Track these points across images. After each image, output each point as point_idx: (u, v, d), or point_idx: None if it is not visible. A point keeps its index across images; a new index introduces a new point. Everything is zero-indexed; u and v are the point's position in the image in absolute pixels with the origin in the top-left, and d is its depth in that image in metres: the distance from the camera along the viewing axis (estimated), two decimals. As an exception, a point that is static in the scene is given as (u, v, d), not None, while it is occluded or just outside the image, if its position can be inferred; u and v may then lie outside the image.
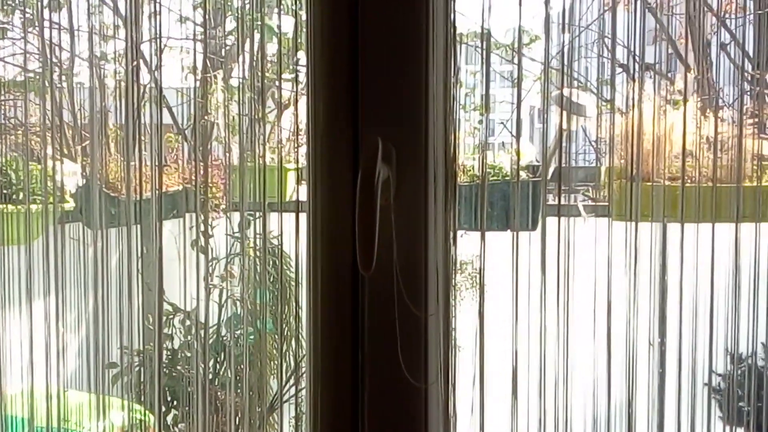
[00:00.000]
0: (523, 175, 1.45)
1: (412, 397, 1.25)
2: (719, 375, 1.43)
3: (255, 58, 1.64)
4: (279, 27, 1.60)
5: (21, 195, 1.69)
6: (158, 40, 1.64)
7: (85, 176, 1.71)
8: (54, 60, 1.72)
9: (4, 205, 1.68)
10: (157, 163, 1.61)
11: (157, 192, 1.59)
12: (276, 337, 1.63)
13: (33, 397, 1.65)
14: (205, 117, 1.70)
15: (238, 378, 1.66)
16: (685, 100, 1.40)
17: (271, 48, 1.66)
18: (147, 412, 1.69)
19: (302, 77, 1.58)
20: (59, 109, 1.73)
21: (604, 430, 1.42)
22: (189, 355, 1.72)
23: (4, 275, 1.66)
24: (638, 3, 1.40)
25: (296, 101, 1.61)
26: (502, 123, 1.60)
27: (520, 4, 1.36)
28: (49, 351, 1.63)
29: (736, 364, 1.42)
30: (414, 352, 1.25)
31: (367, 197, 1.15)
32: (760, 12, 1.41)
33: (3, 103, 1.77)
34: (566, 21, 1.40)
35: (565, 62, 1.41)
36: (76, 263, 1.64)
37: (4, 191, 1.69)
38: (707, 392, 1.43)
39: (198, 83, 1.75)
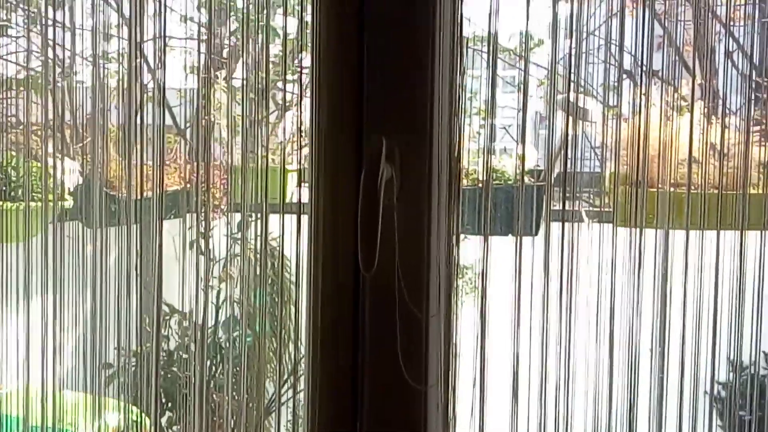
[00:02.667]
0: (526, 179, 1.44)
1: (412, 400, 1.24)
2: (720, 383, 1.42)
3: (258, 59, 1.64)
4: (284, 28, 1.60)
5: (20, 192, 1.67)
6: (161, 39, 1.63)
7: (84, 174, 1.70)
8: (55, 58, 1.71)
9: (3, 202, 1.67)
10: (159, 163, 1.60)
11: (158, 192, 1.58)
12: (274, 339, 1.62)
13: (28, 396, 1.63)
14: (206, 117, 1.69)
15: (234, 380, 1.64)
16: (691, 107, 1.39)
17: (274, 49, 1.66)
18: (142, 413, 1.67)
19: (305, 79, 1.57)
20: (60, 107, 1.72)
21: (605, 435, 1.41)
22: (185, 356, 1.71)
23: (2, 272, 1.64)
24: (645, 9, 1.39)
25: (299, 103, 1.60)
26: (504, 128, 1.60)
27: (527, 8, 1.36)
28: (45, 350, 1.62)
29: (739, 373, 1.41)
30: (414, 354, 1.24)
31: (370, 197, 1.15)
32: (765, 20, 1.41)
33: (3, 101, 1.76)
34: (572, 26, 1.40)
35: (571, 67, 1.41)
36: (75, 262, 1.63)
37: (3, 188, 1.68)
38: (709, 401, 1.41)
39: (200, 83, 1.74)
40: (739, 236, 1.34)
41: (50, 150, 1.67)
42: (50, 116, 1.68)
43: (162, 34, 1.63)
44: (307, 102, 1.42)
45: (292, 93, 1.67)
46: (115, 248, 1.63)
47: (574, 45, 1.39)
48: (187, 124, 1.82)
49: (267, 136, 1.62)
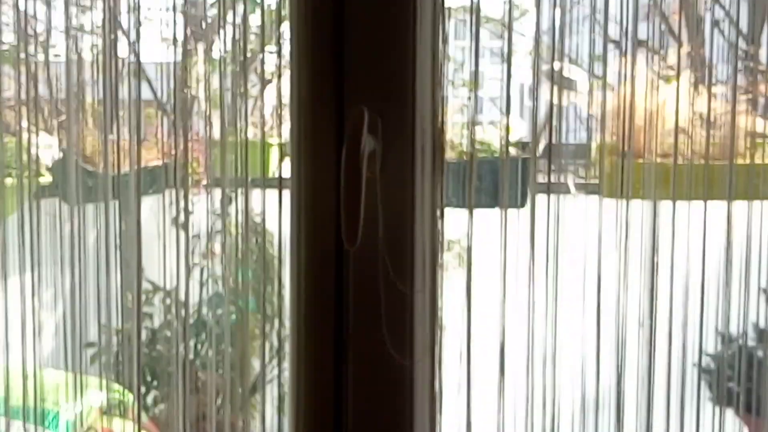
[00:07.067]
0: (512, 151, 1.42)
1: (398, 375, 1.23)
2: (709, 355, 1.42)
3: (237, 31, 1.61)
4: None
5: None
6: (137, 11, 1.60)
7: (62, 150, 1.67)
8: (29, 32, 1.68)
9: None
10: (135, 138, 1.57)
11: (135, 167, 1.55)
12: (258, 316, 1.60)
13: (8, 376, 1.61)
14: (185, 91, 1.66)
15: (219, 358, 1.63)
16: (678, 76, 1.37)
17: (254, 20, 1.62)
18: (126, 391, 1.65)
19: (286, 50, 1.54)
20: (35, 82, 1.68)
21: (592, 408, 1.41)
22: (169, 334, 1.69)
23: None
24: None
25: (280, 75, 1.57)
26: (491, 100, 1.57)
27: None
28: (24, 329, 1.59)
29: (727, 345, 1.40)
30: (399, 329, 1.22)
31: (352, 170, 1.12)
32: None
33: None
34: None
35: (556, 37, 1.39)
36: (53, 239, 1.60)
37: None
38: (697, 372, 1.41)
39: (179, 56, 1.70)
40: (727, 206, 1.33)
41: (25, 125, 1.63)
42: (25, 91, 1.65)
43: (138, 5, 1.60)
44: (287, 74, 1.40)
45: (274, 65, 1.64)
46: (94, 225, 1.60)
47: (559, 14, 1.37)
48: (168, 98, 1.78)
49: (247, 110, 1.59)
